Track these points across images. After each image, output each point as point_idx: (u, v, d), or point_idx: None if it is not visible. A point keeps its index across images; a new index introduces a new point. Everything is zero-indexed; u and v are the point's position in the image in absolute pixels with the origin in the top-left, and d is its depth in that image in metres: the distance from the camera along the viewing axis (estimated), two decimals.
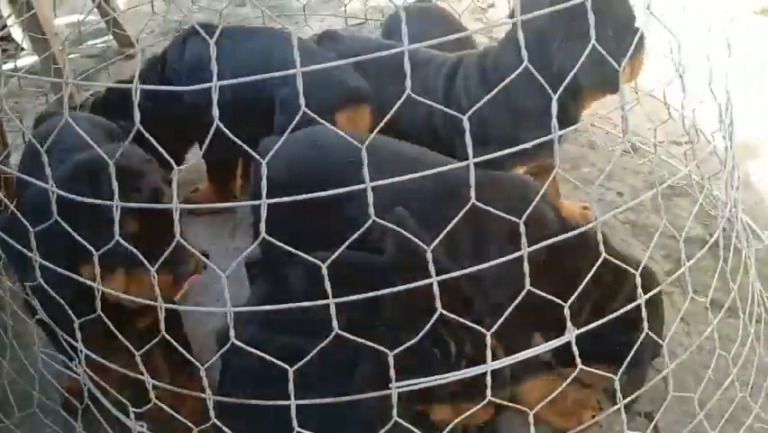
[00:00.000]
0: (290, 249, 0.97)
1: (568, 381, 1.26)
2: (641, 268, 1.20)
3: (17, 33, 3.27)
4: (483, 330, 1.05)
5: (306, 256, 1.01)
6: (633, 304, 1.20)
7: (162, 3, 3.65)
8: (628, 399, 1.28)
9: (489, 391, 1.08)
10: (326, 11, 3.81)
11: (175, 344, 1.08)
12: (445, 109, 1.11)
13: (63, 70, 1.18)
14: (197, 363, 1.09)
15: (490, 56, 2.02)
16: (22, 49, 3.37)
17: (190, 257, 1.34)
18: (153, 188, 1.36)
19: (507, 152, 1.03)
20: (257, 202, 0.95)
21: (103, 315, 1.14)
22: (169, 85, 2.21)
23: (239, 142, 0.97)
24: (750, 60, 3.03)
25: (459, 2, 3.33)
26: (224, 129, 0.92)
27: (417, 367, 1.12)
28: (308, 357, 1.05)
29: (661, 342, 1.31)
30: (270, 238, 0.95)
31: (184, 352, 1.10)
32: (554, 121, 0.99)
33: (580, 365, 1.13)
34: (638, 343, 1.23)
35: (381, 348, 1.05)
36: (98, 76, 3.31)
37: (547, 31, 1.79)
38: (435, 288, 1.01)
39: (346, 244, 0.98)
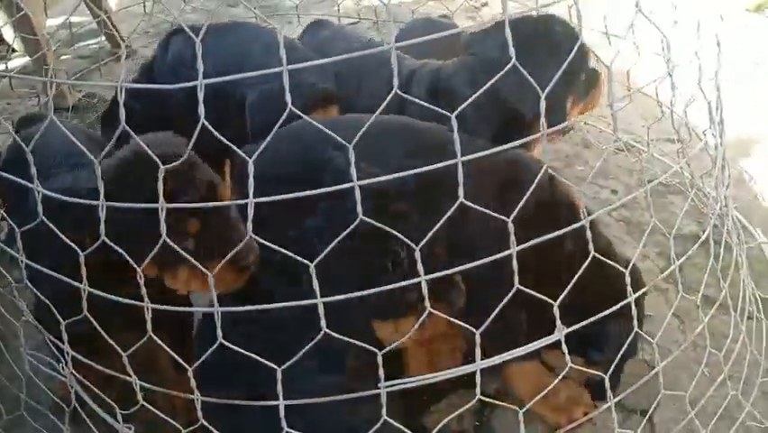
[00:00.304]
0: (275, 247, 0.96)
1: (559, 378, 1.26)
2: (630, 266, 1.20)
3: (8, 34, 3.26)
4: (472, 329, 1.05)
5: (293, 255, 1.00)
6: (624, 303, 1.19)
7: (155, 3, 3.64)
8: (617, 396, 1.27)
9: (478, 390, 1.07)
10: (319, 10, 3.80)
11: (161, 344, 1.07)
12: (432, 107, 1.10)
13: (50, 70, 1.14)
14: (185, 364, 1.08)
15: (442, 78, 2.01)
16: (14, 50, 3.36)
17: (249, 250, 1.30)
18: (209, 182, 1.30)
19: (495, 149, 1.02)
20: (244, 201, 0.94)
21: (89, 315, 1.13)
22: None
23: (225, 141, 0.96)
24: (742, 59, 3.03)
25: (452, 0, 3.33)
26: (210, 127, 0.92)
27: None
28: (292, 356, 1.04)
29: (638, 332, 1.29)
30: (257, 238, 0.95)
31: (170, 351, 1.08)
32: (543, 120, 0.99)
33: (569, 364, 1.12)
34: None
35: (370, 348, 1.04)
36: (91, 76, 3.30)
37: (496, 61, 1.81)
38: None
39: (336, 241, 0.98)
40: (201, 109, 0.85)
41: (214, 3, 3.74)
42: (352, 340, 1.04)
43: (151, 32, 3.68)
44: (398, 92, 0.92)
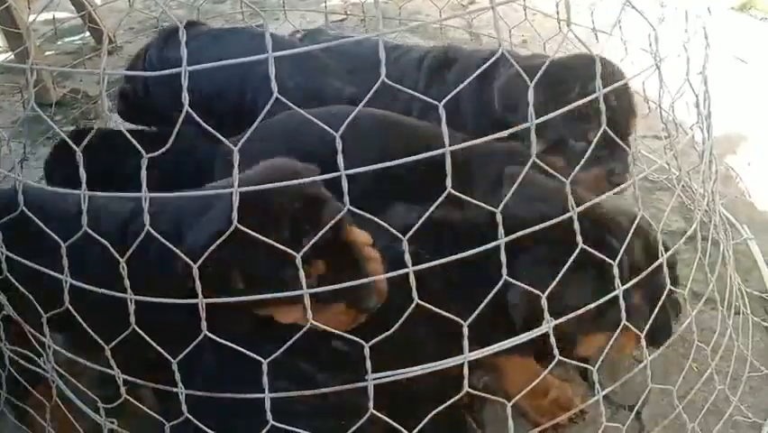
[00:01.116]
0: (263, 238, 0.95)
1: (546, 371, 1.25)
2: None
3: None
4: (460, 321, 1.04)
5: (281, 247, 0.99)
6: None
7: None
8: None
9: (465, 382, 1.06)
10: (306, 7, 3.78)
11: (148, 339, 1.06)
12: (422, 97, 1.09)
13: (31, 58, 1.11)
14: (169, 357, 1.06)
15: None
16: None
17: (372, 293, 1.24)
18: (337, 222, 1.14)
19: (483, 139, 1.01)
20: (228, 190, 0.93)
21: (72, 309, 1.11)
22: (148, 85, 2.19)
23: (212, 131, 0.95)
24: (728, 57, 3.05)
25: None
26: (195, 115, 0.90)
27: None
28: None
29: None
30: (241, 226, 0.93)
31: (156, 346, 1.07)
32: (531, 109, 0.98)
33: (557, 356, 1.12)
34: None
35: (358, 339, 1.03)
36: (75, 72, 3.26)
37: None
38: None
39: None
40: (185, 95, 0.84)
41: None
42: None
43: (136, 28, 3.65)
44: (386, 80, 0.91)
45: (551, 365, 1.17)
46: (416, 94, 1.08)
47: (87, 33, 3.50)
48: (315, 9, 3.69)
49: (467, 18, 3.37)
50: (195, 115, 0.89)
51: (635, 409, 1.58)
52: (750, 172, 2.49)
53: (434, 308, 1.01)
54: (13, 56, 2.95)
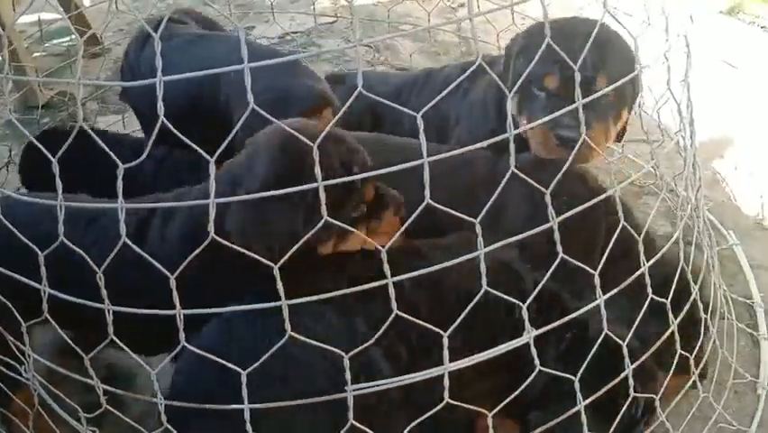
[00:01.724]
0: (239, 249, 0.94)
1: (527, 381, 1.24)
2: None
3: None
4: (440, 332, 1.03)
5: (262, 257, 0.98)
6: None
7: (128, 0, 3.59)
8: None
9: (446, 393, 1.06)
10: (296, 9, 3.77)
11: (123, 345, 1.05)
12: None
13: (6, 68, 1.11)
14: (148, 368, 1.06)
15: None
16: None
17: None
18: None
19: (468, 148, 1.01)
20: (205, 201, 0.92)
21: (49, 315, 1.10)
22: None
23: (190, 143, 0.94)
24: (716, 60, 3.06)
25: (429, 1, 3.32)
26: (170, 125, 0.90)
27: None
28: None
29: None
30: (220, 239, 0.93)
31: (134, 355, 1.06)
32: (509, 119, 0.98)
33: (538, 366, 1.12)
34: None
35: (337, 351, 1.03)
36: (63, 74, 3.24)
37: None
38: None
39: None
40: (160, 105, 0.83)
41: (189, 1, 3.70)
42: None
43: (125, 30, 3.63)
44: (363, 91, 0.91)
45: (532, 375, 1.16)
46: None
47: (75, 35, 3.47)
48: (305, 12, 3.68)
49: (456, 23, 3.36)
50: (171, 126, 0.88)
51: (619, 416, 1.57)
52: (736, 176, 2.49)
53: None
54: None
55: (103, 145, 0.96)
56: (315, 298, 1.04)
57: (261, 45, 2.42)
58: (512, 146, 1.00)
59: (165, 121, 0.87)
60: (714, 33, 3.25)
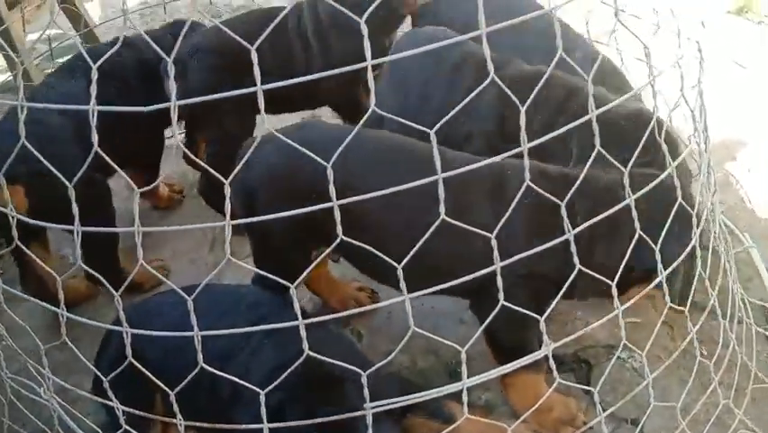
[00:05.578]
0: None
1: (551, 389, 1.24)
2: None
3: None
4: (458, 347, 1.03)
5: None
6: None
7: (138, 16, 3.61)
8: None
9: (466, 409, 1.06)
10: None
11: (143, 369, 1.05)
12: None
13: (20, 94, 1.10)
14: (167, 389, 1.06)
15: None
16: None
17: None
18: None
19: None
20: (221, 224, 0.92)
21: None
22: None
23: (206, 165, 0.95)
24: (725, 61, 3.03)
25: None
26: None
27: None
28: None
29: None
30: (236, 260, 0.93)
31: (151, 376, 1.06)
32: (523, 133, 0.98)
33: (557, 379, 1.11)
34: None
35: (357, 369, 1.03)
36: None
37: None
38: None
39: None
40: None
41: (196, 15, 3.70)
42: None
43: None
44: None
45: (554, 385, 1.16)
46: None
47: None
48: None
49: None
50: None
51: (640, 426, 1.56)
52: (750, 179, 2.47)
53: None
54: (11, 76, 2.95)
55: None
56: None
57: None
58: (526, 159, 1.00)
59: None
60: (722, 33, 3.22)
